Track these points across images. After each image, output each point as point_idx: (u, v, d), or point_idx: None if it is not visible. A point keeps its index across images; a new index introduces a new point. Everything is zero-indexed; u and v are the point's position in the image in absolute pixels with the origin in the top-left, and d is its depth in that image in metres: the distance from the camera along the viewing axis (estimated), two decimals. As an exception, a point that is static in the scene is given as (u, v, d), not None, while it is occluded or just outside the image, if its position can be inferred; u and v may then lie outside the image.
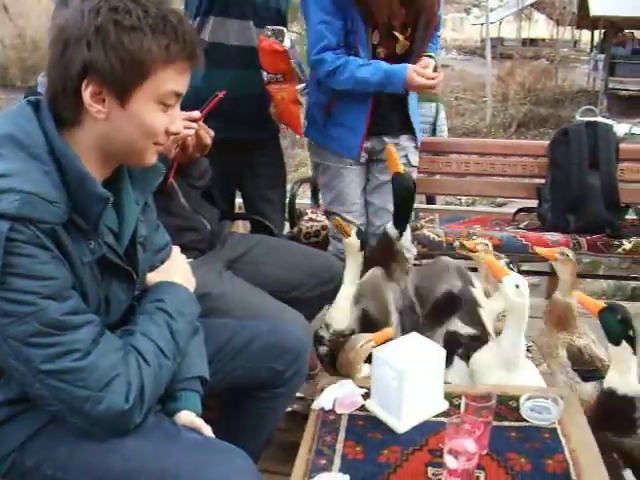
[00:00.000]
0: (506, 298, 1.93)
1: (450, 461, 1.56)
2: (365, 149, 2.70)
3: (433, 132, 7.03)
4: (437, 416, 1.82)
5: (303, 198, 3.66)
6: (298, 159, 8.28)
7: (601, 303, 1.90)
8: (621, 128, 10.54)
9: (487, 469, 1.64)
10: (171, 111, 1.37)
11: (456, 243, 2.61)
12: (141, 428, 1.37)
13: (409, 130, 2.75)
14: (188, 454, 1.37)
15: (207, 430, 1.52)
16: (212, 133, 2.04)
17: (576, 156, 3.10)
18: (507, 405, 1.88)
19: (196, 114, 1.93)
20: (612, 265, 5.16)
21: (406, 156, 2.73)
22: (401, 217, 2.33)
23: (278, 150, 2.85)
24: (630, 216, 3.27)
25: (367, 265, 2.32)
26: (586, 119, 9.05)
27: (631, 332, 1.80)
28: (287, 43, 2.35)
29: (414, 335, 1.91)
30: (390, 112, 2.67)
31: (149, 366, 1.36)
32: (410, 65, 2.47)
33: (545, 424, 1.79)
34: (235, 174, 2.72)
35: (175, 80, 1.33)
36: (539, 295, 3.96)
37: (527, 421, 1.80)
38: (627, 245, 2.93)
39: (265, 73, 2.41)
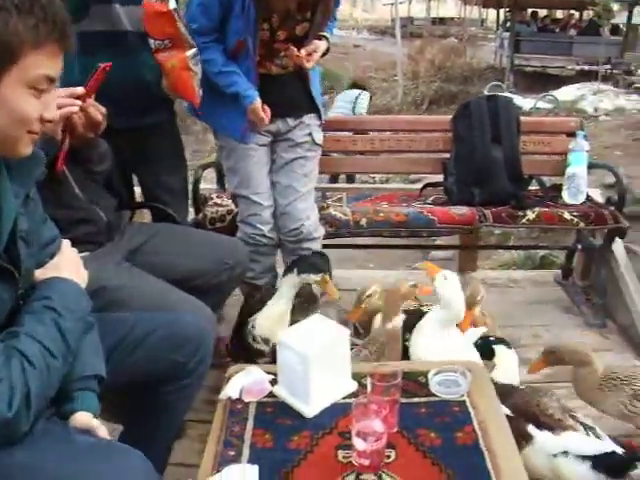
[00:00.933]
0: (442, 295, 2.13)
1: (359, 443, 1.54)
2: (270, 131, 2.65)
3: (353, 112, 7.18)
4: (346, 397, 1.81)
5: (208, 183, 3.56)
6: (210, 145, 8.12)
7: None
8: (527, 103, 10.86)
9: (398, 447, 1.64)
10: (45, 97, 1.28)
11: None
12: (30, 436, 1.29)
13: (313, 109, 2.70)
14: (80, 460, 1.29)
15: (102, 431, 1.45)
16: (103, 110, 1.89)
17: (478, 130, 3.12)
18: (416, 381, 1.88)
19: (79, 90, 1.79)
20: (521, 235, 5.29)
21: (310, 134, 2.70)
22: None
23: (174, 135, 2.73)
24: (533, 187, 3.33)
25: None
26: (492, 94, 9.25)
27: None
28: (172, 4, 2.17)
29: (317, 317, 1.88)
30: (292, 92, 2.62)
31: (35, 369, 1.27)
32: (257, 100, 2.49)
33: (454, 397, 1.79)
34: (130, 162, 2.60)
35: (46, 63, 1.24)
36: (452, 269, 4.03)
37: (436, 396, 1.81)
38: (531, 215, 2.97)
39: (152, 40, 2.24)
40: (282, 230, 2.71)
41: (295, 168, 2.68)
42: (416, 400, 1.80)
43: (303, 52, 2.48)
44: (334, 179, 6.41)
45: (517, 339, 3.03)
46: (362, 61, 16.51)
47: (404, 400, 1.79)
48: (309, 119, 2.70)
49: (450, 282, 2.13)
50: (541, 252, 4.78)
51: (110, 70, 1.83)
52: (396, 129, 3.45)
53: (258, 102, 2.48)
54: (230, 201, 3.07)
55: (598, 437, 1.89)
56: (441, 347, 2.10)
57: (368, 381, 1.69)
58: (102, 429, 1.45)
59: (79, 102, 1.79)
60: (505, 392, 1.99)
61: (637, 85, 12.59)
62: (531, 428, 1.92)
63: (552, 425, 1.91)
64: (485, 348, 2.17)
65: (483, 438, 1.64)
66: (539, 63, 15.69)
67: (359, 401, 1.57)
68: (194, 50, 2.28)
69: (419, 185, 3.52)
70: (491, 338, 2.21)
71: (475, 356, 2.15)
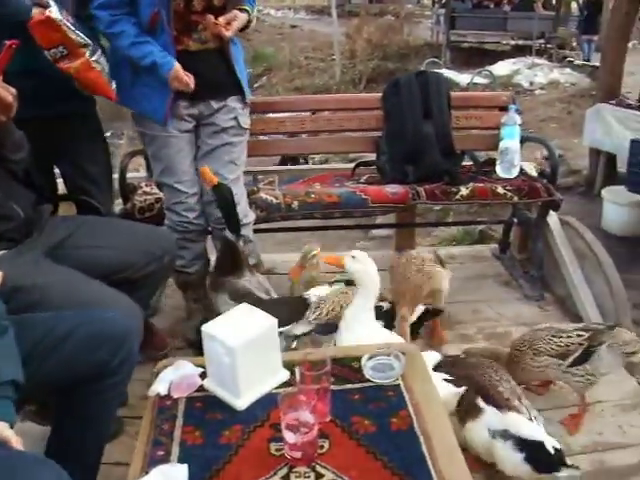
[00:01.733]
0: (353, 275, 2.11)
1: (289, 436, 1.49)
2: (192, 115, 2.54)
3: None
4: (279, 387, 1.75)
5: (139, 171, 3.45)
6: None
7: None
8: (463, 78, 10.92)
9: (331, 436, 1.59)
10: None
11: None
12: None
13: (237, 90, 2.60)
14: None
15: (16, 442, 1.36)
16: (13, 90, 1.76)
17: (408, 106, 3.07)
18: (350, 367, 1.83)
19: None
20: (461, 210, 5.30)
21: (236, 118, 2.60)
22: (231, 223, 2.50)
23: (95, 123, 2.62)
24: (467, 162, 3.30)
25: (218, 273, 2.54)
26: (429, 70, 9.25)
27: None
28: (54, 11, 2.05)
29: (243, 306, 1.81)
30: (214, 71, 2.51)
31: None
32: (177, 64, 2.36)
33: (388, 382, 1.75)
34: (51, 154, 2.48)
35: None
36: (390, 247, 4.00)
37: (370, 381, 1.76)
38: (464, 191, 2.95)
39: (46, 52, 2.12)
40: (210, 218, 2.63)
41: (221, 155, 2.58)
42: (349, 387, 1.76)
43: (222, 20, 2.36)
44: (284, 162, 6.31)
45: (456, 315, 3.04)
46: (299, 41, 16.37)
47: (337, 387, 1.74)
48: (233, 101, 2.59)
49: (359, 260, 2.10)
50: (480, 227, 4.81)
51: (17, 48, 1.72)
52: (326, 108, 3.39)
53: (178, 67, 2.35)
54: (158, 189, 2.97)
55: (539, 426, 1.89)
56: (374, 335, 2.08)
57: (297, 370, 1.63)
58: (16, 439, 1.36)
59: None
60: (457, 363, 2.05)
61: (570, 59, 12.79)
62: (480, 401, 1.93)
63: (499, 402, 1.91)
64: None
65: (418, 422, 1.60)
66: (475, 39, 15.79)
67: (286, 392, 1.51)
68: (91, 48, 2.18)
69: (347, 165, 3.47)
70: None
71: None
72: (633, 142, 4.78)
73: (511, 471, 1.90)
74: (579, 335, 2.22)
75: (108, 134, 8.39)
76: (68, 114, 2.41)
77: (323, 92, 11.28)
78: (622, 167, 5.44)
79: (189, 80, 2.39)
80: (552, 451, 1.80)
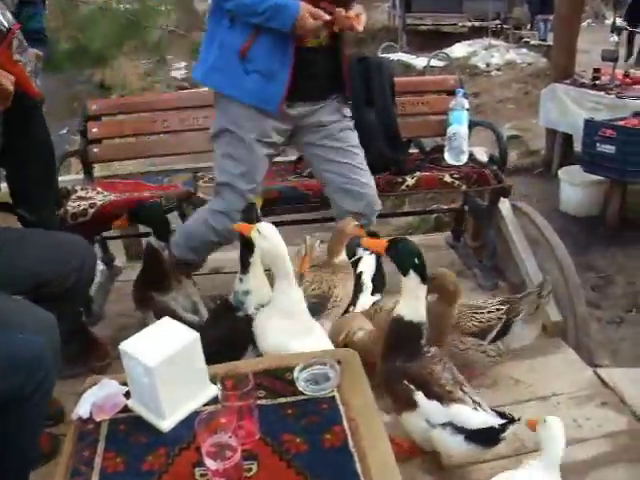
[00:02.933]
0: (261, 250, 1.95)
1: (210, 463, 1.36)
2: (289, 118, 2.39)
3: None
4: (207, 404, 1.63)
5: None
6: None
7: (384, 241, 1.91)
8: (420, 61, 10.84)
9: (260, 457, 1.48)
10: None
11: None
12: None
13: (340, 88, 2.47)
14: None
15: None
16: (13, 78, 1.64)
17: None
18: (282, 379, 1.71)
19: None
20: (417, 198, 5.19)
21: (339, 110, 2.50)
22: (159, 229, 2.47)
23: (39, 121, 2.43)
24: (415, 150, 3.19)
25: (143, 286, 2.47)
26: (388, 55, 9.16)
27: (417, 261, 1.81)
28: None
29: (164, 321, 1.67)
30: (327, 71, 2.37)
31: None
32: (304, 3, 2.13)
33: (323, 394, 1.63)
34: None
35: None
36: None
37: (304, 394, 1.64)
38: (410, 181, 2.83)
39: None
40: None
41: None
42: (282, 401, 1.64)
43: (352, 13, 2.18)
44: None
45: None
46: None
47: (268, 402, 1.64)
48: (336, 100, 2.48)
49: (266, 235, 1.89)
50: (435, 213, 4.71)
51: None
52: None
53: (305, 5, 2.12)
54: (95, 193, 2.81)
55: (484, 411, 1.84)
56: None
57: (218, 388, 1.50)
58: None
59: None
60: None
61: (526, 39, 12.77)
62: (419, 397, 1.83)
63: (442, 396, 1.82)
64: (404, 262, 1.82)
65: (352, 438, 1.49)
66: (431, 21, 15.72)
67: (202, 417, 1.38)
68: (13, 39, 1.98)
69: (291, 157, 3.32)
70: (415, 260, 1.82)
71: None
72: (587, 122, 4.72)
73: (455, 455, 1.89)
74: (498, 309, 2.20)
75: (64, 131, 8.14)
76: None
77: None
78: (578, 147, 5.39)
79: (321, 13, 2.15)
80: (496, 426, 1.79)
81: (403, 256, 1.82)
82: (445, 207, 4.37)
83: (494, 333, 2.18)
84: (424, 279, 1.82)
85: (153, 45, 11.90)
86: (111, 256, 3.48)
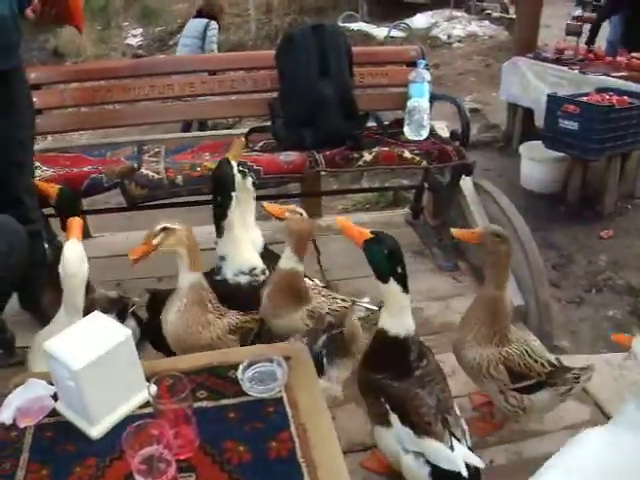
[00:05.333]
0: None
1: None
2: None
3: (202, 49, 6.47)
4: (142, 407, 1.48)
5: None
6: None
7: (366, 232, 1.63)
8: (380, 32, 10.64)
9: (199, 468, 1.34)
10: None
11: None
12: None
13: None
14: None
15: None
16: None
17: (303, 64, 2.76)
18: (225, 377, 1.57)
19: None
20: (376, 172, 5.04)
21: None
22: None
23: (24, 84, 2.31)
24: (373, 124, 3.03)
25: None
26: (348, 25, 8.93)
27: (399, 269, 1.58)
28: None
29: (95, 316, 1.50)
30: None
31: None
32: None
33: (269, 395, 1.49)
34: None
35: None
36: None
37: (249, 395, 1.49)
38: (367, 157, 2.68)
39: None
40: None
41: None
42: (224, 402, 1.50)
43: None
44: (187, 127, 5.87)
45: (364, 292, 2.79)
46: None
47: (210, 404, 1.50)
48: None
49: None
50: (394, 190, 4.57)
51: None
52: (216, 69, 3.06)
53: None
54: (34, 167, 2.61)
55: (462, 448, 1.62)
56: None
57: (150, 393, 1.35)
58: None
59: None
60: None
61: (488, 11, 12.62)
62: (393, 419, 1.63)
63: (418, 426, 1.61)
64: (385, 267, 1.59)
65: (301, 447, 1.35)
66: (393, -9, 15.46)
67: (130, 429, 1.22)
68: None
69: (239, 130, 3.16)
70: (398, 269, 1.59)
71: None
72: (550, 97, 4.61)
73: None
74: (543, 365, 1.92)
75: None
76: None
77: (238, 49, 10.79)
78: (540, 122, 5.29)
79: None
80: (467, 476, 1.58)
81: (384, 262, 1.59)
82: (405, 184, 4.24)
83: (527, 383, 1.90)
84: (406, 288, 1.60)
85: (99, 9, 11.47)
86: (53, 234, 3.27)
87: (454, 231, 1.96)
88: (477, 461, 1.61)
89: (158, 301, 2.04)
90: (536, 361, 1.91)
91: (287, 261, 1.98)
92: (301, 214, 2.01)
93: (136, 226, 3.65)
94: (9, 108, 2.20)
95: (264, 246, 2.35)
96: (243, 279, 2.16)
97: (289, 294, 1.98)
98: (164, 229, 1.83)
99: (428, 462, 1.61)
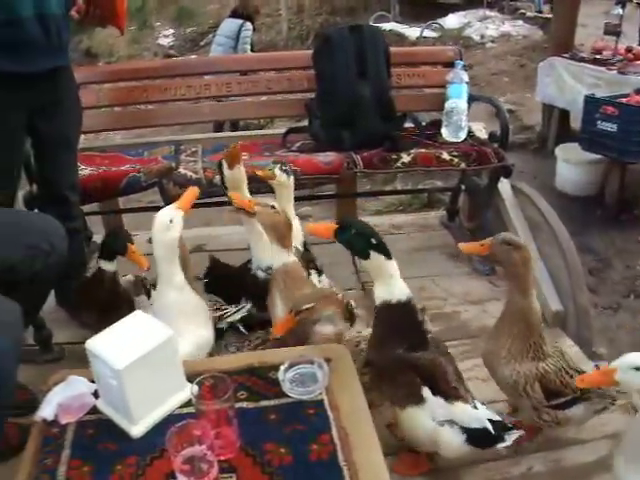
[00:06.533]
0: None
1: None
2: None
3: (235, 49, 6.51)
4: (183, 406, 1.48)
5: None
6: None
7: (331, 224, 1.69)
8: (413, 32, 10.58)
9: (239, 470, 1.34)
10: None
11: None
12: None
13: None
14: None
15: None
16: None
17: (341, 65, 2.74)
18: (266, 379, 1.57)
19: None
20: (411, 173, 5.01)
21: None
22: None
23: (72, 83, 2.33)
24: (410, 125, 3.00)
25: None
26: (380, 25, 8.89)
27: (374, 240, 1.64)
28: None
29: (137, 315, 1.51)
30: None
31: None
32: None
33: (309, 397, 1.48)
34: (24, 118, 2.17)
35: None
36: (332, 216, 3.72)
37: (289, 396, 1.49)
38: (405, 158, 2.65)
39: None
40: None
41: None
42: (265, 404, 1.50)
43: None
44: (219, 127, 5.90)
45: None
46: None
47: (251, 405, 1.50)
48: None
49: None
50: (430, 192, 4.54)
51: None
52: (252, 69, 3.06)
53: None
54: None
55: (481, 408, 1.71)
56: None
57: (192, 395, 1.35)
58: None
59: None
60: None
61: (522, 11, 12.50)
62: (426, 392, 1.66)
63: (448, 393, 1.67)
64: (360, 246, 1.66)
65: (342, 450, 1.34)
66: (426, -9, 15.38)
67: (173, 429, 1.22)
68: None
69: (278, 130, 3.15)
70: (372, 240, 1.65)
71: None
72: (587, 98, 4.54)
73: (453, 454, 1.72)
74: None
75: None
76: (52, 70, 2.15)
77: (269, 49, 10.84)
78: (576, 124, 5.22)
79: None
80: (493, 431, 1.66)
81: (357, 240, 1.65)
82: (441, 186, 4.21)
83: (561, 400, 1.83)
84: (388, 255, 1.65)
85: (136, 10, 11.57)
86: (89, 233, 3.31)
87: (461, 246, 1.92)
88: (495, 415, 1.70)
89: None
90: (572, 377, 1.83)
91: (278, 258, 1.95)
92: (272, 206, 1.99)
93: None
94: (57, 107, 2.23)
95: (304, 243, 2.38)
96: (261, 275, 2.22)
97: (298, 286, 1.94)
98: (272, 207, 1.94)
99: (462, 429, 1.66)
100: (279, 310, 1.91)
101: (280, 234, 1.94)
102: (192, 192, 1.93)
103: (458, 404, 1.66)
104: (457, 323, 2.59)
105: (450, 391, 1.67)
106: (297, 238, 2.29)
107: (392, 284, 1.66)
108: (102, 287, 2.23)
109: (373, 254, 1.63)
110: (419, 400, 1.66)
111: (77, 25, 2.23)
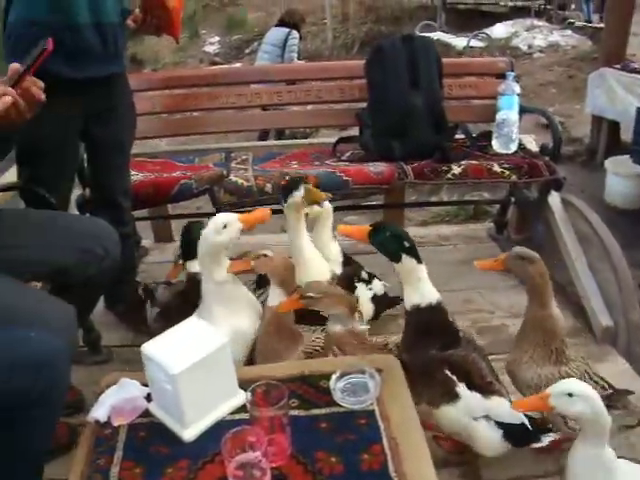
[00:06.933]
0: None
1: (237, 487, 1.22)
2: None
3: (281, 57, 6.57)
4: (234, 412, 1.49)
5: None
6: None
7: (365, 226, 1.75)
8: (459, 42, 10.53)
9: (291, 478, 1.35)
10: None
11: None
12: None
13: None
14: None
15: None
16: (42, 84, 1.53)
17: (393, 75, 2.75)
18: (317, 387, 1.57)
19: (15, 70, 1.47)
20: (457, 184, 4.99)
21: None
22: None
23: (127, 89, 2.39)
24: (460, 136, 2.99)
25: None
26: (425, 34, 8.86)
27: (406, 243, 1.70)
28: None
29: (191, 321, 1.53)
30: None
31: None
32: None
33: (360, 407, 1.48)
34: (80, 123, 2.23)
35: None
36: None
37: (340, 405, 1.49)
38: (456, 170, 2.64)
39: None
40: None
41: None
42: (316, 412, 1.50)
43: None
44: (265, 136, 5.95)
45: (447, 306, 2.75)
46: (291, 4, 15.87)
47: (302, 413, 1.50)
48: None
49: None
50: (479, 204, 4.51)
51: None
52: (304, 78, 3.08)
53: None
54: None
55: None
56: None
57: (247, 401, 1.36)
58: None
59: (12, 92, 1.44)
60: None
61: (571, 20, 12.34)
62: (461, 388, 1.68)
63: (483, 388, 1.69)
64: (392, 249, 1.71)
65: (393, 460, 1.34)
66: (472, 0, 15.27)
67: (228, 435, 1.24)
68: None
69: (328, 139, 3.16)
70: (405, 243, 1.70)
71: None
72: (639, 110, 4.46)
73: (489, 449, 1.73)
74: (603, 388, 1.83)
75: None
76: (108, 76, 2.20)
77: (315, 57, 10.89)
78: (626, 135, 5.13)
79: None
80: (530, 428, 1.69)
81: (390, 242, 1.71)
82: (487, 197, 4.18)
83: None
84: (419, 259, 1.70)
85: (187, 18, 11.74)
86: (138, 237, 3.37)
87: (477, 264, 1.91)
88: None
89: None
90: (597, 382, 1.83)
91: (274, 297, 1.91)
92: (265, 255, 1.99)
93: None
94: (112, 113, 2.27)
95: (344, 255, 2.40)
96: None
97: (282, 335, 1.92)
98: (265, 255, 1.90)
99: (498, 424, 1.67)
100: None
101: (281, 279, 1.93)
102: (262, 213, 1.93)
103: (494, 398, 1.68)
104: (504, 336, 2.56)
105: (486, 386, 1.69)
106: (336, 261, 2.33)
107: (421, 287, 1.71)
108: (198, 289, 2.18)
109: (405, 257, 1.68)
110: (453, 397, 1.67)
111: (133, 34, 2.28)
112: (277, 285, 1.92)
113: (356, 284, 2.31)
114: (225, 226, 1.86)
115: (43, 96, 1.54)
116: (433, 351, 1.69)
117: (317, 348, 1.88)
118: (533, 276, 1.80)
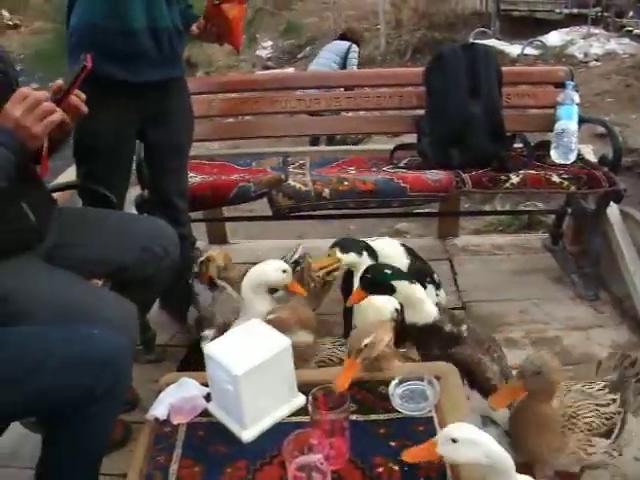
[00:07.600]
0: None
1: (297, 488, 1.24)
2: None
3: (343, 66, 6.69)
4: (293, 415, 1.51)
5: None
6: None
7: (357, 289, 1.86)
8: (514, 49, 10.42)
9: (349, 482, 1.34)
10: None
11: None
12: None
13: None
14: None
15: None
16: (84, 96, 1.60)
17: (452, 82, 2.75)
18: (376, 393, 1.58)
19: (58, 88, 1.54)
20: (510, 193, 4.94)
21: None
22: None
23: (185, 92, 2.43)
24: (519, 145, 2.97)
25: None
26: (479, 41, 8.80)
27: (388, 270, 1.79)
28: None
29: (253, 323, 1.56)
30: None
31: None
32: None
33: (419, 414, 1.49)
34: (136, 125, 2.29)
35: None
36: (432, 234, 3.71)
37: (398, 411, 1.50)
38: (515, 179, 2.63)
39: None
40: None
41: None
42: (374, 417, 1.51)
43: None
44: (315, 141, 6.00)
45: (501, 316, 2.75)
46: (344, 11, 15.90)
47: (360, 417, 1.50)
48: None
49: None
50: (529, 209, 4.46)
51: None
52: (362, 84, 3.09)
53: None
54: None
55: None
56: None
57: (309, 405, 1.38)
58: None
59: (58, 110, 1.49)
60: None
61: (629, 28, 12.10)
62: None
63: (485, 390, 1.73)
64: (380, 282, 1.79)
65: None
66: (526, 7, 15.08)
67: (291, 437, 1.26)
68: None
69: (386, 146, 3.16)
70: (387, 271, 1.79)
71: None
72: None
73: None
74: (614, 400, 1.72)
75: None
76: (167, 80, 2.26)
77: (368, 63, 10.88)
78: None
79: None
80: None
81: (378, 281, 1.79)
82: (542, 207, 4.13)
83: (617, 431, 1.69)
84: (410, 279, 1.78)
85: (247, 24, 11.87)
86: (193, 239, 3.42)
87: (490, 402, 1.64)
88: None
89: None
90: (603, 402, 1.72)
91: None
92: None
93: (268, 234, 3.78)
94: (168, 116, 2.31)
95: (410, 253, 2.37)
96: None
97: None
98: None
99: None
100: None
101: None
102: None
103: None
104: (560, 348, 2.54)
105: (489, 388, 1.71)
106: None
107: (422, 308, 1.78)
108: None
109: (397, 284, 1.74)
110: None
111: (194, 40, 2.33)
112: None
113: (427, 284, 2.27)
114: (284, 271, 2.01)
115: (85, 108, 1.59)
116: (435, 351, 1.77)
117: (333, 358, 1.87)
118: (557, 380, 1.61)
